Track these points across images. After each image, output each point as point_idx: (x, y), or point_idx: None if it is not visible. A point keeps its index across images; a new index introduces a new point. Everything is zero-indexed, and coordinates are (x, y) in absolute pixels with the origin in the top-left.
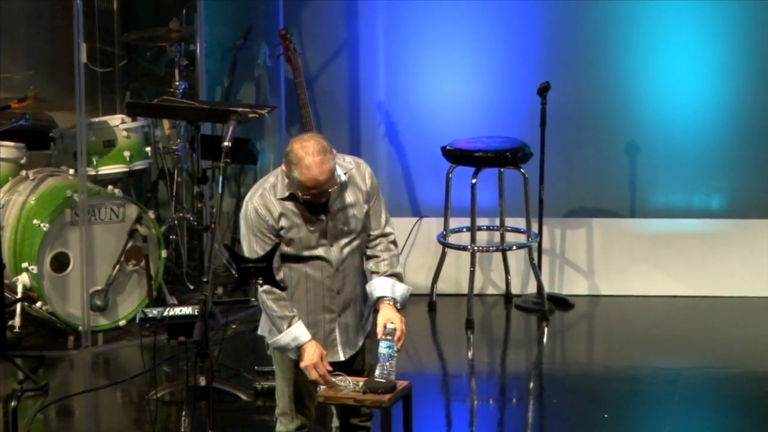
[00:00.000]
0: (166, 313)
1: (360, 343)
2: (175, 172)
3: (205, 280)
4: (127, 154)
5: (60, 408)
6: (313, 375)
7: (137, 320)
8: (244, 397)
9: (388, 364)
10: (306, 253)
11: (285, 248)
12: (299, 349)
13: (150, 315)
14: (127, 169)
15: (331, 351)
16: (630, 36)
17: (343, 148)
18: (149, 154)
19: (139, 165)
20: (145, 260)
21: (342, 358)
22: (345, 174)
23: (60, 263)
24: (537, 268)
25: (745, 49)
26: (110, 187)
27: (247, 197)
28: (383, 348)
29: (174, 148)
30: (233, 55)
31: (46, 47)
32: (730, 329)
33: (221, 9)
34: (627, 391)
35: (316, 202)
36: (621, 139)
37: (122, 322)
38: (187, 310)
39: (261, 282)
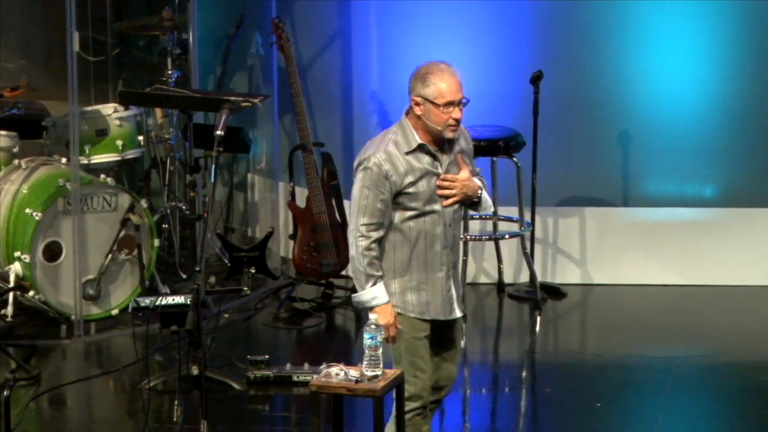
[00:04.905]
0: (158, 303)
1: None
2: (168, 161)
3: (197, 269)
4: (119, 143)
5: (52, 397)
6: (387, 334)
7: (130, 309)
8: (236, 386)
9: (373, 354)
10: (427, 207)
11: (409, 203)
12: (374, 309)
13: (142, 304)
14: (119, 158)
15: (449, 308)
16: (623, 25)
17: (336, 137)
18: (142, 143)
19: (131, 154)
20: (138, 249)
21: (459, 314)
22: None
23: (52, 252)
24: (530, 257)
25: (738, 37)
26: (103, 176)
27: (365, 154)
28: (366, 339)
29: (166, 137)
30: (226, 44)
31: (39, 36)
32: (722, 318)
33: None
34: (620, 380)
35: (455, 119)
36: (614, 128)
37: (115, 312)
38: (179, 300)
39: (254, 271)
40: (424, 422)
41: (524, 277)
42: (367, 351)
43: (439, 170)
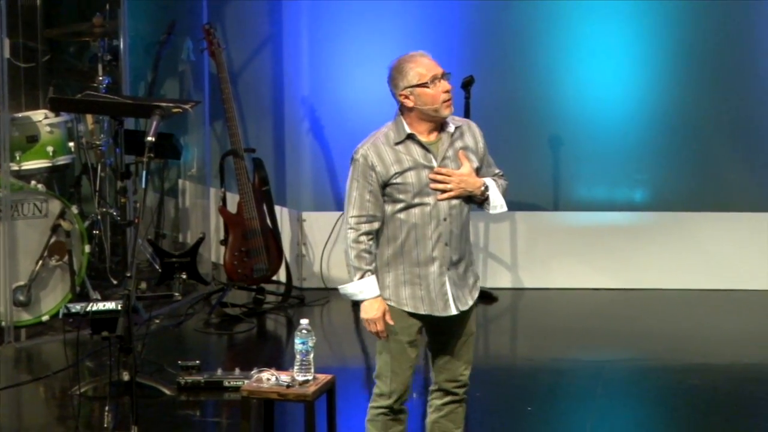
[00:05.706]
0: (89, 309)
1: (470, 303)
2: (99, 167)
3: (128, 275)
4: (50, 149)
5: None
6: (372, 329)
7: (60, 315)
8: (167, 392)
9: (305, 359)
10: (417, 200)
11: (397, 195)
12: (362, 302)
13: (73, 310)
14: (50, 165)
15: (443, 305)
16: (553, 31)
17: (267, 142)
18: (72, 149)
19: (62, 160)
20: (68, 255)
21: (454, 312)
22: (457, 127)
23: None
24: None
25: (666, 44)
26: (33, 182)
27: (356, 149)
28: (297, 344)
29: (97, 143)
30: (157, 51)
31: None
32: (653, 322)
33: (144, 4)
34: (550, 384)
35: (446, 91)
36: (544, 133)
37: (45, 318)
38: (110, 305)
39: (185, 276)
40: (396, 423)
41: None
42: (298, 356)
43: (433, 163)
